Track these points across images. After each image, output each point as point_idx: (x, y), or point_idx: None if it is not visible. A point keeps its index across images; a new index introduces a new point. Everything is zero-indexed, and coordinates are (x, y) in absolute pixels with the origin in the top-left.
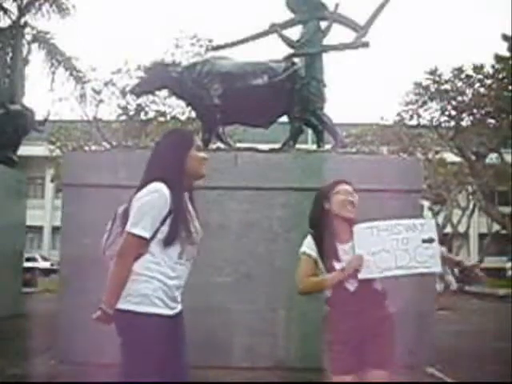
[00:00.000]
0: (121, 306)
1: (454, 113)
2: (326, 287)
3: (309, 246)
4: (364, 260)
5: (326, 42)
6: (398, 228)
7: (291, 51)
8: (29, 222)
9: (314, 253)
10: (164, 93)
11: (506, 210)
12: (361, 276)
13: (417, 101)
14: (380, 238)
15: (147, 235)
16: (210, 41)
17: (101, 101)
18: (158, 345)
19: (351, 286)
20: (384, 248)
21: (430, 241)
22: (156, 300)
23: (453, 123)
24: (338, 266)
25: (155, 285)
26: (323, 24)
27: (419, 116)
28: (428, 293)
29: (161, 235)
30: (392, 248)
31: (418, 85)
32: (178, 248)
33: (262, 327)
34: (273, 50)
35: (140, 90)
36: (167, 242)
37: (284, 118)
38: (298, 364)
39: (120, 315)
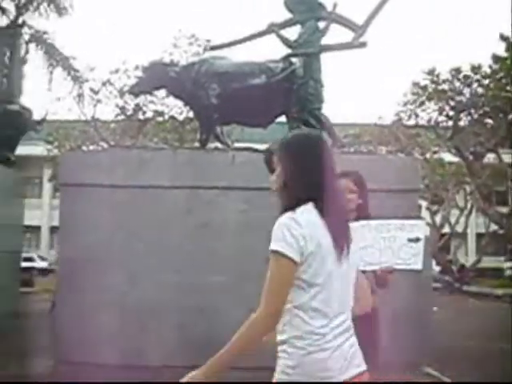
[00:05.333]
0: None
1: (451, 113)
2: None
3: None
4: None
5: (324, 41)
6: (388, 227)
7: (289, 51)
8: (27, 222)
9: None
10: (162, 92)
11: (504, 209)
12: None
13: (415, 101)
14: (370, 235)
15: None
16: (208, 41)
17: (99, 100)
18: None
19: None
20: (371, 244)
21: (416, 240)
22: None
23: (451, 123)
24: None
25: None
26: (321, 24)
27: (417, 116)
28: (425, 292)
29: None
30: (378, 244)
31: (416, 85)
32: None
33: None
34: (271, 50)
35: (138, 90)
36: None
37: (282, 118)
38: None
39: None
